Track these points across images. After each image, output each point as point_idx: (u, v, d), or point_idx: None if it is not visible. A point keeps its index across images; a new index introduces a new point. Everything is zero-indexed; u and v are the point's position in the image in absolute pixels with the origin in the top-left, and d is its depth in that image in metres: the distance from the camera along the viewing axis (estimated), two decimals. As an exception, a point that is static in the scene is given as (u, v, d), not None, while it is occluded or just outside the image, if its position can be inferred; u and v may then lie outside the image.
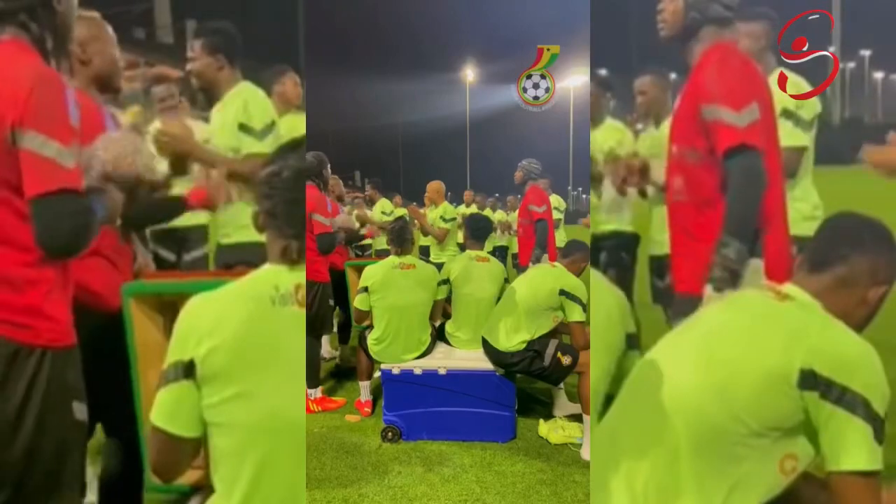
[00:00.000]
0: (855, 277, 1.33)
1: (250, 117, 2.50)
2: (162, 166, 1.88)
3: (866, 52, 55.85)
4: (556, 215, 6.92)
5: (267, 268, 1.39)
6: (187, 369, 1.26)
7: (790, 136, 2.45)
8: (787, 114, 2.48)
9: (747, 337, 1.30)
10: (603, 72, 2.70)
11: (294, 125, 3.37)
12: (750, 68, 1.90)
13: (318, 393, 4.12)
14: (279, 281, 1.34)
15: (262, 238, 1.46)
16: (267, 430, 1.27)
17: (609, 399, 1.57)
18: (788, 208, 2.06)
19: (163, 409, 1.28)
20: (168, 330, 1.66)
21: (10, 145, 1.36)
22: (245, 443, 1.26)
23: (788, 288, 1.37)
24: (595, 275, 1.80)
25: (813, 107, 2.54)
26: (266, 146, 2.48)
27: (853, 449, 1.15)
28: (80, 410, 1.51)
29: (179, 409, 1.27)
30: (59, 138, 1.38)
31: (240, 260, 2.55)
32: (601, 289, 1.75)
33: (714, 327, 1.38)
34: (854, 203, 2.68)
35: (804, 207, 2.51)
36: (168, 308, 1.74)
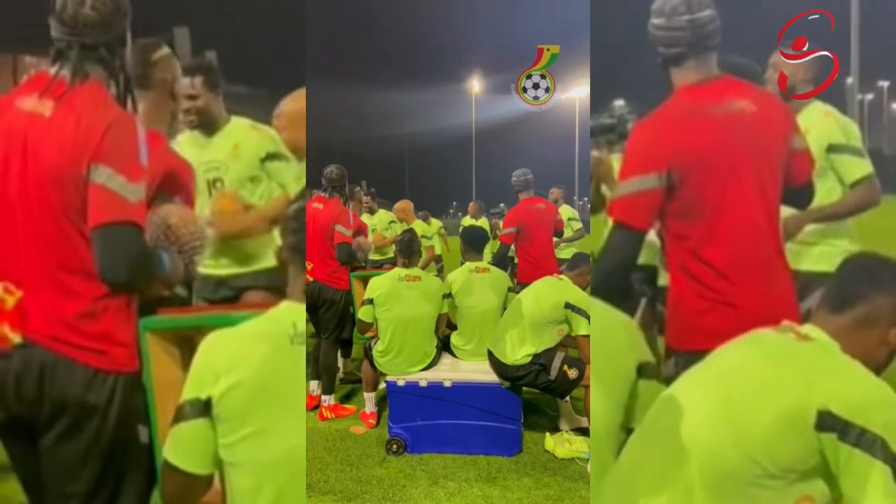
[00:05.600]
0: (875, 317, 1.31)
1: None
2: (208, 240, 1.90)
3: (885, 83, 55.48)
4: (575, 225, 6.91)
5: (285, 305, 1.38)
6: (204, 407, 1.25)
7: (858, 167, 2.44)
8: (841, 148, 2.44)
9: (764, 377, 1.28)
10: (620, 102, 2.65)
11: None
12: (666, 127, 1.77)
13: (331, 400, 4.17)
14: (297, 318, 1.35)
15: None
16: (282, 468, 1.26)
17: (623, 430, 1.55)
18: (829, 245, 2.14)
19: (176, 446, 1.28)
20: (185, 363, 1.67)
21: (86, 181, 1.43)
22: (262, 481, 1.26)
23: (808, 328, 1.35)
24: (598, 304, 1.72)
25: (858, 134, 2.49)
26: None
27: (873, 491, 1.13)
28: (144, 433, 1.56)
29: (194, 446, 1.27)
30: (126, 174, 1.43)
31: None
32: (606, 318, 1.69)
33: (731, 367, 1.37)
34: (873, 236, 2.66)
35: (842, 244, 2.48)
36: (185, 341, 1.75)
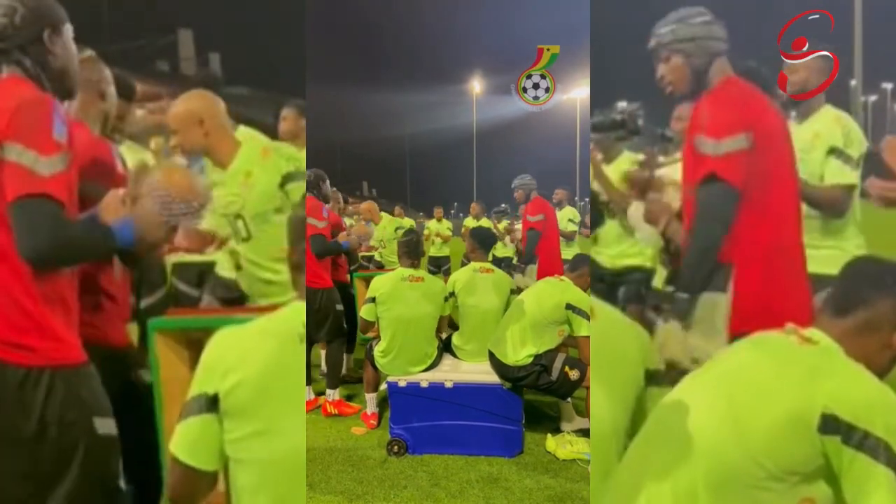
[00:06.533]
0: (878, 321, 1.32)
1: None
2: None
3: (888, 85, 55.43)
4: (570, 227, 6.92)
5: (295, 304, 1.39)
6: (211, 402, 1.25)
7: (838, 173, 2.45)
8: (836, 152, 2.46)
9: (767, 380, 1.28)
10: (623, 104, 2.66)
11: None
12: (747, 98, 1.89)
13: (336, 395, 4.16)
14: (304, 317, 1.36)
15: None
16: (283, 467, 1.26)
17: (626, 434, 1.54)
18: (836, 248, 2.18)
19: (184, 442, 1.27)
20: (193, 364, 1.69)
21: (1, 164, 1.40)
22: (263, 480, 1.25)
23: (811, 332, 1.35)
24: (604, 308, 1.71)
25: (860, 144, 2.50)
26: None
27: (875, 495, 1.13)
28: (105, 425, 1.52)
29: (200, 442, 1.27)
30: (38, 148, 1.40)
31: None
32: (609, 320, 1.68)
33: (734, 369, 1.37)
34: (876, 236, 2.66)
35: (849, 247, 2.47)
36: (194, 344, 1.74)
